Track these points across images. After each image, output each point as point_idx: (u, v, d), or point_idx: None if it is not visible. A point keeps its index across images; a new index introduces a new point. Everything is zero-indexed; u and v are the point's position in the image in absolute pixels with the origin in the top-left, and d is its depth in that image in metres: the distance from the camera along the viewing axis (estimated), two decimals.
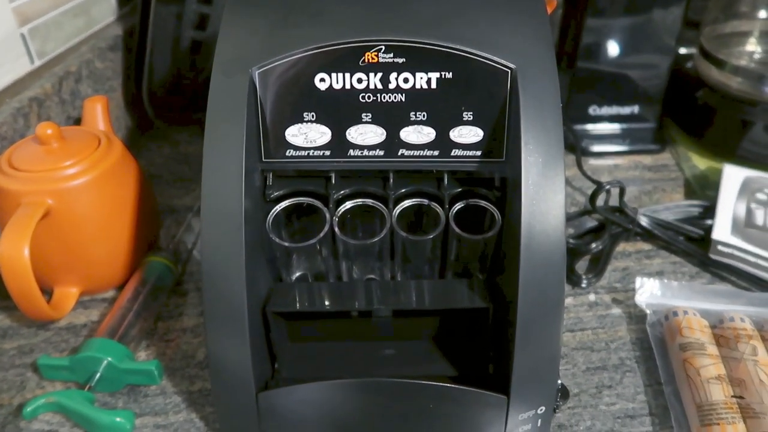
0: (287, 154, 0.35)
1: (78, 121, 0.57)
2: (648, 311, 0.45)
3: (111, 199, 0.47)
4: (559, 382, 0.36)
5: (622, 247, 0.54)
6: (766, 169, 0.59)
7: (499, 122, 0.34)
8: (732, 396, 0.37)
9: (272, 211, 0.36)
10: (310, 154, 0.35)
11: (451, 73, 0.33)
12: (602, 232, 0.52)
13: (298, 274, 0.40)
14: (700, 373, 0.39)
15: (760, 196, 0.55)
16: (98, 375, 0.40)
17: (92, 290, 0.49)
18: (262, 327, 0.36)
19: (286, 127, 0.35)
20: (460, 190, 0.36)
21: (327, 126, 0.35)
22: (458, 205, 0.36)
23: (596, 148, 0.67)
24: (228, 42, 0.34)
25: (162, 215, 0.57)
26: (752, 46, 0.68)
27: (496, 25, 0.34)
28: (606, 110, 0.68)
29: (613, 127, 0.69)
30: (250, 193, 0.35)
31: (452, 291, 0.37)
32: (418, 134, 0.35)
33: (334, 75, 0.34)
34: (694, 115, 0.67)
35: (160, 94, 0.63)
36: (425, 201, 0.36)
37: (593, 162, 0.66)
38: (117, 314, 0.44)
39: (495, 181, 0.36)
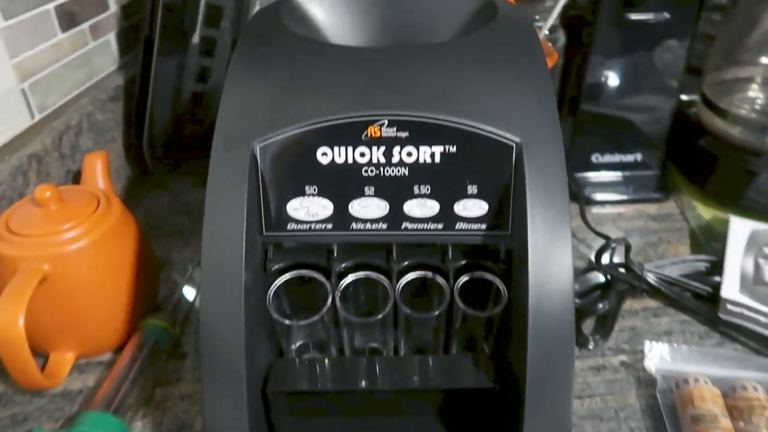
0: (289, 227, 0.35)
1: (78, 175, 0.57)
2: (658, 377, 0.44)
3: (109, 262, 0.46)
4: None
5: (628, 304, 0.53)
6: None
7: (504, 196, 0.34)
8: None
9: (273, 285, 0.35)
10: (312, 227, 0.35)
11: (455, 147, 0.33)
12: (608, 290, 0.51)
13: (298, 343, 0.39)
14: None
15: None
16: None
17: (89, 353, 0.48)
18: (262, 403, 0.35)
19: (288, 201, 0.34)
20: (464, 262, 0.36)
21: (329, 199, 0.34)
22: (463, 279, 0.35)
23: (599, 196, 0.67)
24: (229, 114, 0.34)
25: (161, 268, 0.56)
26: (754, 93, 0.67)
27: (500, 98, 0.33)
28: (608, 158, 0.68)
29: (616, 175, 0.68)
30: (251, 267, 0.34)
31: (458, 368, 0.36)
32: (421, 208, 0.34)
33: (336, 149, 0.33)
34: (698, 162, 0.67)
35: (160, 145, 0.62)
36: (429, 274, 0.36)
37: (596, 211, 0.65)
38: (113, 383, 0.43)
39: (500, 254, 0.35)
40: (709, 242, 0.59)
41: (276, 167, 0.33)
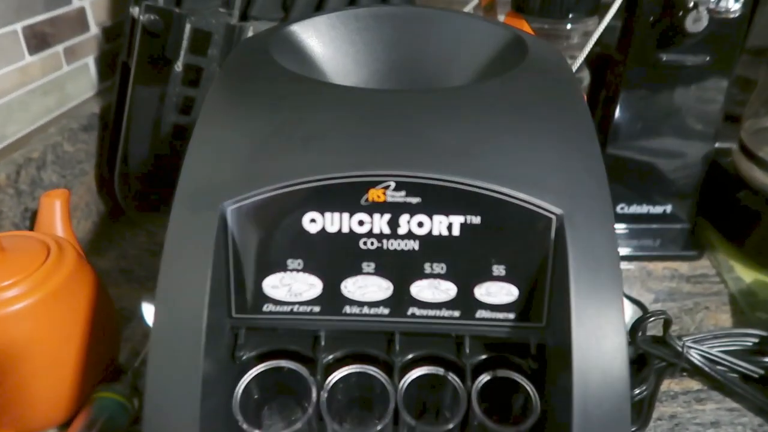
0: (265, 309, 0.28)
1: (36, 216, 0.50)
2: None
3: (58, 324, 0.39)
4: None
5: (666, 384, 0.45)
6: None
7: (538, 279, 0.27)
8: None
9: (241, 381, 0.28)
10: (294, 309, 0.28)
11: (478, 218, 0.26)
12: (644, 369, 0.44)
13: None
14: None
15: None
16: None
17: (29, 430, 0.41)
18: None
19: (265, 277, 0.27)
20: (485, 357, 0.29)
21: (317, 276, 0.27)
22: (483, 378, 0.28)
23: (625, 251, 0.60)
24: (196, 167, 0.27)
25: (125, 321, 0.49)
26: None
27: (537, 158, 0.27)
28: (635, 209, 0.61)
29: (644, 228, 0.61)
30: (214, 355, 0.27)
31: None
32: (434, 290, 0.27)
33: (328, 215, 0.26)
34: (734, 218, 0.60)
35: (135, 182, 0.56)
36: (441, 371, 0.28)
37: (622, 267, 0.58)
38: None
39: (531, 348, 0.28)
40: (754, 311, 0.52)
41: (251, 235, 0.27)
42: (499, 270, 0.27)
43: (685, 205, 0.61)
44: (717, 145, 0.64)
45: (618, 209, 0.61)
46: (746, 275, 0.56)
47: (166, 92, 0.52)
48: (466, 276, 0.27)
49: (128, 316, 0.50)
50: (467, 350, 0.28)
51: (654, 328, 0.47)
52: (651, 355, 0.45)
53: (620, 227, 0.61)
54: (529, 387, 0.28)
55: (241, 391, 0.28)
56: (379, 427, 0.26)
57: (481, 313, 0.27)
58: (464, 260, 0.27)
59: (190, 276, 0.26)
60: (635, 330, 0.44)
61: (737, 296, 0.55)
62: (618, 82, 0.57)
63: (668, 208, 0.61)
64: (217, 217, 0.26)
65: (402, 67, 0.32)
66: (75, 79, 0.59)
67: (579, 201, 0.26)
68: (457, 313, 0.27)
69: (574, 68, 0.50)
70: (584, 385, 0.25)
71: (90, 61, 0.61)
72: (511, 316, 0.27)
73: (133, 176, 0.56)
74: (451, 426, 0.27)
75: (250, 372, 0.28)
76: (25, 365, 0.38)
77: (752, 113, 0.61)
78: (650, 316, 0.44)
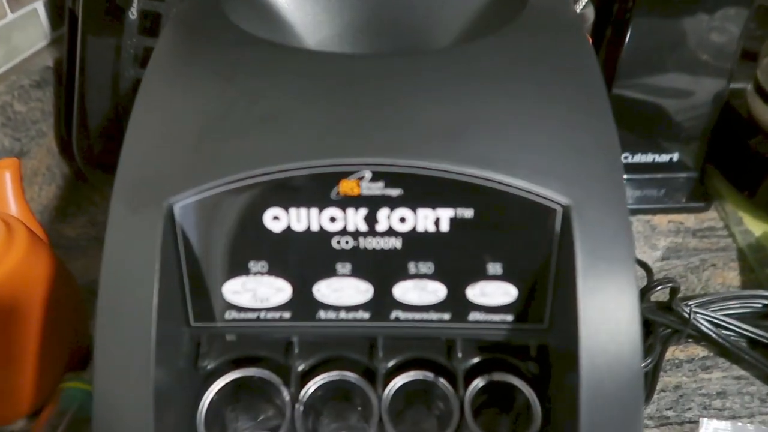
0: (227, 316, 0.24)
1: None
2: None
3: (12, 312, 0.35)
4: None
5: (670, 351, 0.43)
6: None
7: (540, 277, 0.23)
8: None
9: (205, 395, 0.25)
10: (261, 316, 0.24)
11: (471, 211, 0.22)
12: (649, 338, 0.42)
13: None
14: None
15: None
16: None
17: None
18: None
19: (225, 281, 0.23)
20: (478, 360, 0.25)
21: (285, 280, 0.23)
22: (477, 383, 0.25)
23: (629, 204, 0.56)
24: (135, 157, 0.23)
25: (96, 291, 0.46)
26: None
27: (539, 138, 0.22)
28: (640, 158, 0.57)
29: (648, 178, 0.57)
30: (172, 366, 0.24)
31: None
32: (420, 292, 0.23)
33: (293, 211, 0.22)
34: (745, 166, 0.56)
35: (96, 141, 0.51)
36: (430, 376, 0.25)
37: None
38: None
39: (530, 350, 0.25)
40: (764, 268, 0.49)
41: (206, 235, 0.23)
42: (495, 268, 0.23)
43: (693, 151, 0.57)
44: (731, 85, 0.59)
45: (622, 158, 0.57)
46: (756, 228, 0.53)
47: (121, 43, 0.46)
48: (457, 276, 0.23)
49: (97, 285, 0.47)
50: (459, 353, 0.25)
51: (661, 295, 0.44)
52: (656, 323, 0.42)
53: (626, 179, 0.57)
54: (528, 392, 0.25)
55: (206, 406, 0.25)
56: None
57: (474, 316, 0.24)
58: (455, 259, 0.23)
59: (134, 284, 0.22)
60: (642, 298, 0.41)
61: (746, 252, 0.51)
62: (627, 15, 0.51)
63: (675, 156, 0.57)
64: (163, 216, 0.22)
65: (378, 24, 0.27)
66: (22, 28, 0.53)
67: (589, 189, 0.22)
68: (447, 316, 0.24)
69: (579, 6, 0.44)
70: (593, 391, 0.22)
71: (39, 6, 0.55)
72: (509, 318, 0.24)
73: (93, 137, 0.51)
74: None
75: (215, 383, 0.25)
76: None
77: None
78: (657, 285, 0.41)
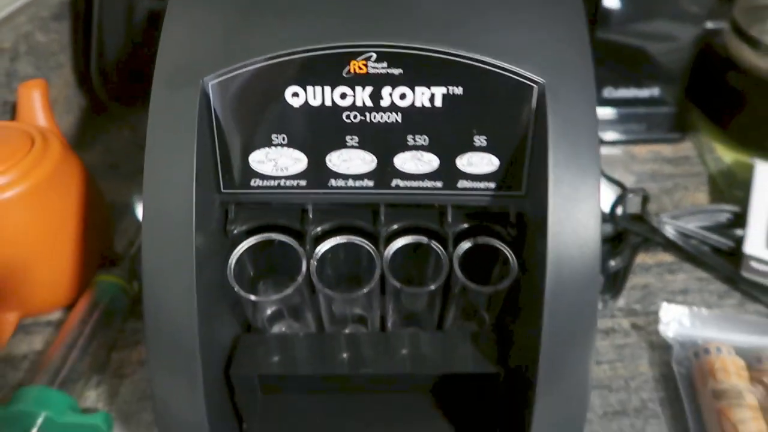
0: (252, 184, 0.28)
1: (15, 108, 0.49)
2: (674, 344, 0.40)
3: (49, 211, 0.39)
4: None
5: (641, 258, 0.48)
6: None
7: (519, 149, 0.27)
8: None
9: (234, 253, 0.29)
10: (282, 184, 0.28)
11: (460, 88, 0.26)
12: (621, 244, 0.46)
13: (269, 311, 0.34)
14: (739, 429, 0.34)
15: None
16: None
17: (34, 313, 0.43)
18: (225, 384, 0.30)
19: (251, 152, 0.28)
20: (466, 226, 0.30)
21: (302, 151, 0.28)
22: (465, 245, 0.30)
23: (610, 135, 0.60)
24: (173, 43, 0.27)
25: (119, 214, 0.50)
26: None
27: (520, 27, 0.26)
28: (623, 92, 0.61)
29: (630, 112, 0.61)
30: (207, 229, 0.28)
31: (454, 349, 0.30)
32: (416, 162, 0.28)
33: (310, 89, 0.26)
34: (720, 100, 0.60)
35: (113, 73, 0.54)
36: (424, 239, 0.30)
37: (607, 151, 0.59)
38: (59, 351, 0.38)
39: (510, 217, 0.29)
40: (731, 189, 0.53)
41: (235, 110, 0.27)
42: (480, 140, 0.27)
43: (673, 88, 0.61)
44: (710, 25, 0.63)
45: (605, 93, 0.61)
46: (727, 156, 0.57)
47: None
48: (448, 147, 0.27)
49: (119, 209, 0.51)
50: (449, 219, 0.29)
51: (634, 208, 0.49)
52: (629, 231, 0.47)
53: (607, 111, 0.61)
54: (508, 253, 0.29)
55: (234, 261, 0.29)
56: (365, 290, 0.28)
57: (462, 183, 0.28)
58: (446, 131, 0.27)
59: (176, 153, 0.26)
60: (615, 208, 0.46)
61: (716, 176, 0.56)
62: None
63: (656, 92, 0.61)
64: (199, 93, 0.26)
65: None
66: None
67: (561, 71, 0.26)
68: (439, 184, 0.28)
69: None
70: (558, 249, 0.26)
71: None
72: (492, 185, 0.28)
73: (110, 69, 0.54)
74: (433, 287, 0.28)
75: (242, 244, 0.29)
76: (20, 251, 0.39)
77: None
78: (629, 193, 0.45)
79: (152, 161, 0.27)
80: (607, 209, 0.48)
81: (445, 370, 0.29)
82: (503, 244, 0.29)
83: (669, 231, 0.47)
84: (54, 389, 0.35)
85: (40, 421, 0.34)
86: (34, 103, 0.45)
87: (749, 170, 0.52)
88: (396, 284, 0.28)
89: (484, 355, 0.30)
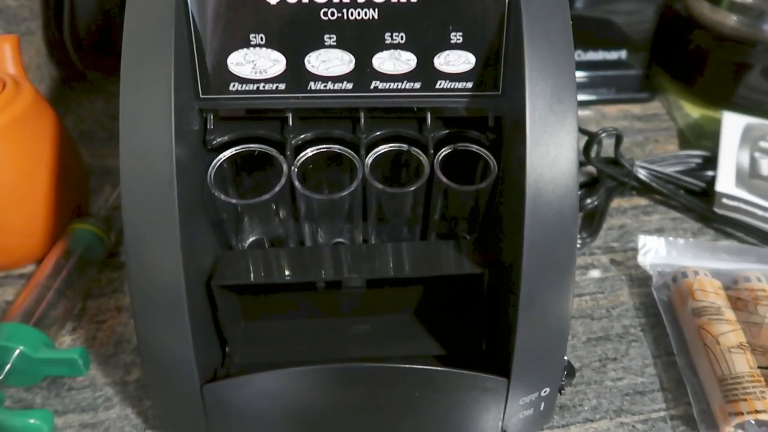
0: (231, 88, 0.28)
1: None
2: (652, 273, 0.40)
3: (21, 155, 0.38)
4: (565, 358, 0.30)
5: (617, 202, 0.49)
6: (762, 117, 0.54)
7: (494, 46, 0.28)
8: (758, 367, 0.33)
9: (215, 161, 0.29)
10: (260, 87, 0.28)
11: None
12: (597, 186, 0.47)
13: (251, 240, 0.34)
14: (719, 341, 0.34)
15: (764, 144, 0.50)
16: (8, 367, 0.33)
17: (6, 265, 0.42)
18: (208, 305, 0.30)
19: (229, 54, 0.27)
20: (446, 132, 0.30)
21: (280, 51, 0.28)
22: (445, 151, 0.30)
23: (581, 96, 0.61)
24: None
25: (95, 178, 0.49)
26: None
27: None
28: (591, 55, 0.62)
29: (599, 75, 0.63)
30: (185, 140, 0.27)
31: (438, 254, 0.30)
32: (395, 61, 0.28)
33: None
34: (685, 60, 0.62)
35: (88, 38, 0.54)
36: (404, 146, 0.30)
37: (578, 112, 0.60)
38: (33, 293, 0.37)
39: (488, 121, 0.30)
40: (699, 140, 0.55)
41: (212, 9, 0.27)
42: (456, 37, 0.28)
43: (639, 51, 0.62)
44: None
45: (575, 56, 0.62)
46: (694, 112, 0.59)
47: None
48: (426, 45, 0.28)
49: (93, 171, 0.50)
50: (429, 125, 0.30)
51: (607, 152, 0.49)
52: (603, 173, 0.47)
53: (578, 75, 0.63)
54: (488, 156, 0.30)
55: (214, 171, 0.29)
56: (347, 191, 0.28)
57: (440, 84, 0.28)
58: (423, 28, 0.27)
59: (153, 56, 0.26)
60: (589, 147, 0.47)
61: (685, 130, 0.57)
62: None
63: (623, 54, 0.63)
64: None
65: None
66: None
67: None
68: (418, 85, 0.28)
69: None
70: (538, 143, 0.26)
71: None
72: (469, 85, 0.29)
73: (84, 33, 0.54)
74: (414, 187, 0.28)
75: (222, 154, 0.29)
76: None
77: None
78: (602, 132, 0.46)
79: (129, 67, 0.26)
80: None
81: (429, 272, 0.29)
82: (482, 149, 0.30)
83: (643, 174, 0.48)
84: (29, 326, 0.34)
85: (15, 354, 0.33)
86: (5, 55, 0.44)
87: (716, 123, 0.54)
88: (378, 186, 0.28)
89: (467, 259, 0.30)
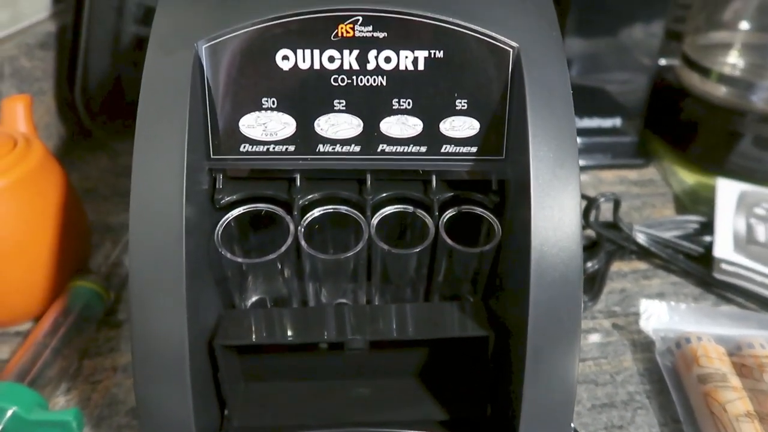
0: (242, 149, 0.29)
1: None
2: (655, 338, 0.40)
3: (28, 212, 0.39)
4: (572, 425, 0.30)
5: (616, 266, 0.49)
6: (757, 183, 0.55)
7: (498, 113, 0.29)
8: None
9: (222, 219, 0.29)
10: (270, 149, 0.29)
11: (441, 52, 0.28)
12: (596, 249, 0.47)
13: (254, 299, 0.33)
14: (727, 409, 0.34)
15: (759, 211, 0.51)
16: (0, 428, 0.32)
17: (4, 322, 0.41)
18: (209, 365, 0.29)
19: (241, 116, 0.28)
20: (451, 194, 0.31)
21: (291, 115, 0.28)
22: (449, 213, 0.30)
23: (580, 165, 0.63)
24: (168, 10, 0.28)
25: (96, 234, 0.49)
26: (737, 56, 0.65)
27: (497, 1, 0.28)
28: (587, 122, 0.64)
29: (595, 141, 0.65)
30: (195, 198, 0.28)
31: (442, 316, 0.30)
32: (402, 126, 0.29)
33: (300, 52, 0.27)
34: (678, 128, 0.64)
35: (98, 98, 0.55)
36: (410, 208, 0.30)
37: None
38: (29, 351, 0.36)
39: (492, 184, 0.30)
40: (696, 206, 0.56)
41: (226, 74, 0.28)
42: (461, 104, 0.29)
43: (634, 119, 0.64)
44: (665, 62, 0.68)
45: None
46: (689, 178, 0.60)
47: (124, 3, 0.52)
48: (432, 111, 0.29)
49: (96, 228, 0.50)
50: (434, 188, 0.30)
51: (605, 216, 0.50)
52: (603, 237, 0.48)
53: None
54: (491, 219, 0.30)
55: (222, 228, 0.29)
56: (353, 252, 0.28)
57: (446, 148, 0.29)
58: (429, 95, 0.28)
59: (168, 116, 0.27)
60: (588, 212, 0.47)
61: (681, 195, 0.58)
62: (566, 5, 0.59)
63: (618, 122, 0.64)
64: (192, 57, 0.27)
65: None
66: None
67: (533, 36, 0.28)
68: (424, 149, 0.29)
69: None
70: (542, 205, 0.27)
71: None
72: (474, 149, 0.29)
73: (95, 93, 0.55)
74: (419, 249, 0.29)
75: (230, 213, 0.29)
76: None
77: (693, 29, 0.65)
78: (601, 197, 0.47)
79: (144, 127, 0.27)
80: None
81: (433, 334, 0.29)
82: (486, 212, 0.30)
83: (642, 238, 0.48)
84: (23, 385, 0.33)
85: (8, 415, 0.32)
86: (17, 114, 0.45)
87: (712, 189, 0.55)
88: (383, 246, 0.29)
89: (472, 321, 0.30)
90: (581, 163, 0.63)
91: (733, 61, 0.64)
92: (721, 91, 0.59)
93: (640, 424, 0.36)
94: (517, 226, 0.28)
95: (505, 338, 0.29)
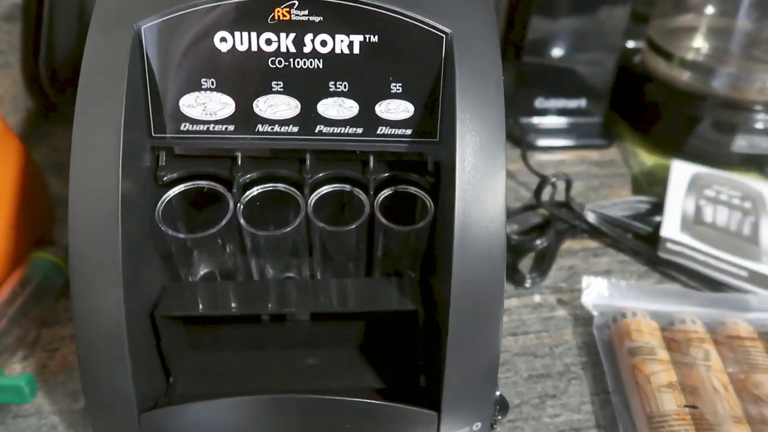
0: (182, 128, 0.30)
1: None
2: (595, 313, 0.42)
3: None
4: (498, 393, 0.31)
5: (567, 244, 0.50)
6: (714, 166, 0.57)
7: (432, 96, 0.30)
8: (684, 406, 0.34)
9: (164, 197, 0.30)
10: (210, 128, 0.30)
11: (376, 37, 0.29)
12: (547, 228, 0.49)
13: (202, 273, 0.35)
14: (651, 380, 0.35)
15: (709, 192, 0.53)
16: None
17: None
18: (153, 335, 0.30)
19: (181, 96, 0.29)
20: (387, 175, 0.32)
21: (230, 95, 0.29)
22: (385, 192, 0.31)
23: (542, 142, 0.64)
24: None
25: (63, 207, 0.50)
26: (701, 41, 0.66)
27: None
28: (553, 103, 0.65)
29: (560, 121, 0.66)
30: (136, 176, 0.29)
31: (379, 291, 0.32)
32: (338, 108, 0.30)
33: (237, 34, 0.28)
34: (641, 110, 0.65)
35: (63, 72, 0.56)
36: (347, 187, 0.32)
37: (539, 157, 0.63)
38: None
39: (428, 165, 0.32)
40: (651, 187, 0.57)
41: (166, 54, 0.28)
42: (396, 88, 0.30)
43: (599, 101, 0.65)
44: (631, 45, 0.69)
45: (537, 103, 0.65)
46: (648, 159, 0.61)
47: None
48: (368, 94, 0.30)
49: (61, 203, 0.51)
50: (371, 167, 0.31)
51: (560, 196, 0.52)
52: (554, 216, 0.49)
53: (538, 120, 0.65)
54: (425, 198, 0.31)
55: (163, 205, 0.30)
56: (290, 227, 0.29)
57: (381, 130, 0.30)
58: (365, 78, 0.29)
59: (106, 94, 0.28)
60: (540, 191, 0.49)
61: (638, 176, 0.60)
62: None
63: (582, 103, 0.65)
64: (131, 37, 0.28)
65: None
66: None
67: (466, 22, 0.29)
68: (360, 130, 0.30)
69: None
70: (466, 187, 0.28)
71: None
72: (409, 132, 0.30)
73: (60, 67, 0.55)
74: (353, 225, 0.30)
75: (171, 190, 0.30)
76: None
77: (660, 13, 0.66)
78: (553, 176, 0.48)
79: (83, 105, 0.28)
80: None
81: (369, 307, 0.31)
82: (420, 191, 0.31)
83: (592, 218, 0.50)
84: None
85: None
86: None
87: (668, 170, 0.56)
88: (319, 224, 0.30)
89: (406, 296, 0.31)
90: (545, 142, 0.64)
91: (698, 45, 0.65)
92: (684, 76, 0.60)
93: (573, 393, 0.38)
94: (446, 206, 0.29)
95: (435, 313, 0.30)
